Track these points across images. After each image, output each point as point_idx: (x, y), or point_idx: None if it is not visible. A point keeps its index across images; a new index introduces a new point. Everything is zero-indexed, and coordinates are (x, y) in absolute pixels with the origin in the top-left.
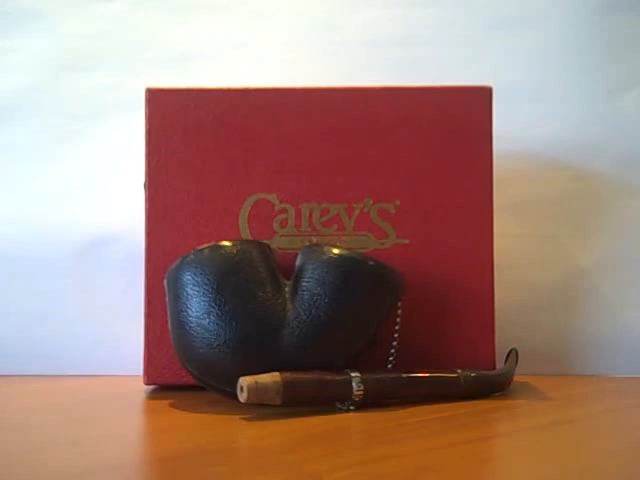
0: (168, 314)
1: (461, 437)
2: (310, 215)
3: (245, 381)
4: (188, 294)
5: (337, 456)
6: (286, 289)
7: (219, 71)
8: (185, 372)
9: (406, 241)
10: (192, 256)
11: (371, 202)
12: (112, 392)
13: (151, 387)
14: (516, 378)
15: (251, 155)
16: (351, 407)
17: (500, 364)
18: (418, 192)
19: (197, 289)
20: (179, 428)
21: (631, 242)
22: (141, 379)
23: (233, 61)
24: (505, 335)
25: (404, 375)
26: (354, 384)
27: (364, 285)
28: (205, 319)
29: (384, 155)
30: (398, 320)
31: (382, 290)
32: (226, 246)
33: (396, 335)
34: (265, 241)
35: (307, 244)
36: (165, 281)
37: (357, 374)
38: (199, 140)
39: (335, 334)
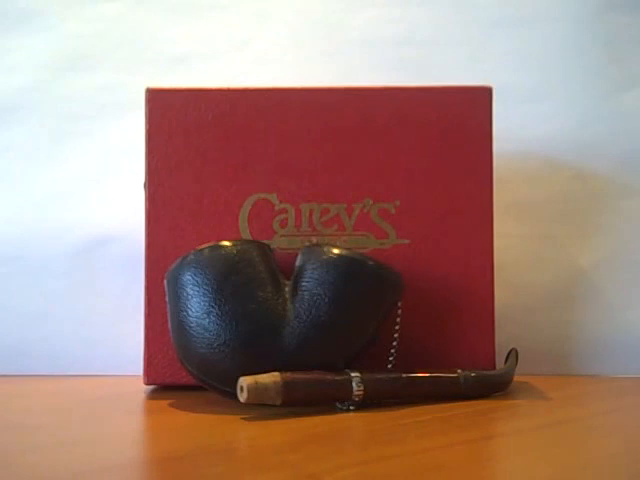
0: (168, 314)
1: (461, 437)
2: (310, 215)
3: (245, 381)
4: (188, 294)
5: (337, 456)
6: (286, 289)
7: (219, 71)
8: (185, 372)
9: (406, 241)
10: (192, 256)
11: (371, 202)
12: (112, 392)
13: (151, 387)
14: (516, 378)
15: (251, 155)
16: (351, 407)
17: (500, 364)
18: (418, 192)
19: (197, 289)
20: (179, 428)
21: (631, 242)
22: (141, 379)
23: (233, 61)
24: (505, 335)
25: (404, 375)
26: (354, 384)
27: (364, 285)
28: (205, 319)
29: (384, 155)
30: (398, 320)
31: (382, 290)
32: (226, 246)
33: (396, 335)
34: (265, 241)
35: (307, 244)
36: (165, 281)
37: (357, 374)
38: (199, 140)
39: (335, 334)
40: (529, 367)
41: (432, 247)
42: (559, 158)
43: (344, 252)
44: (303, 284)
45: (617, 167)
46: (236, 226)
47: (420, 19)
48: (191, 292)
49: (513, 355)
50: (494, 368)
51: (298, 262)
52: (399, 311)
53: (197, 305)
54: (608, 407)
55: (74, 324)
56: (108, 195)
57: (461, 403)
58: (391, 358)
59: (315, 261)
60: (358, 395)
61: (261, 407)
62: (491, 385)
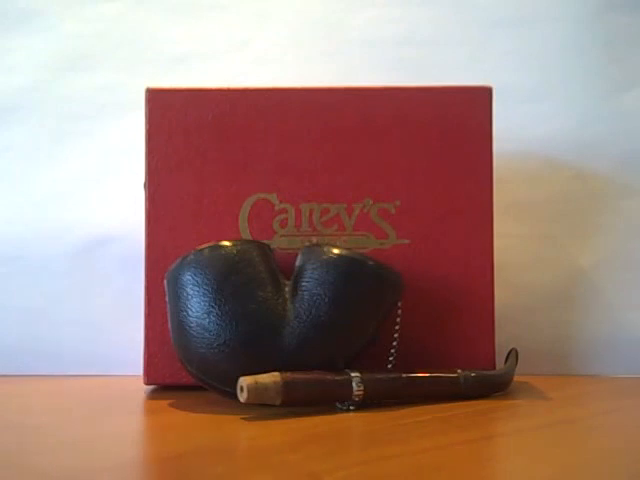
0: (168, 314)
1: (461, 437)
2: (310, 215)
3: (245, 381)
4: (188, 294)
5: (337, 456)
6: (286, 289)
7: (219, 71)
8: (185, 372)
9: (406, 241)
10: (192, 256)
11: (371, 202)
12: (112, 392)
13: (151, 387)
14: (516, 378)
15: (251, 155)
16: (351, 407)
17: (500, 364)
18: (418, 192)
19: (197, 289)
20: (179, 428)
21: (631, 242)
22: (141, 379)
23: (233, 61)
24: (505, 335)
25: (404, 375)
26: (354, 384)
27: (364, 285)
28: (205, 319)
29: (384, 155)
30: (398, 320)
31: (382, 290)
32: (226, 246)
33: (396, 335)
34: (265, 241)
35: (307, 244)
36: (165, 281)
37: (357, 374)
38: (199, 140)
39: (335, 334)
40: (529, 367)
41: (432, 247)
42: (559, 158)
43: (344, 252)
44: (303, 284)
45: (617, 167)
46: (236, 226)
47: (420, 19)
48: (191, 292)
49: (513, 355)
50: (494, 368)
51: (298, 262)
52: (399, 311)
53: (197, 305)
54: (608, 407)
55: (74, 324)
56: (108, 195)
57: (461, 403)
58: (391, 358)
59: (315, 261)
60: (358, 395)
61: (261, 407)
62: (491, 385)
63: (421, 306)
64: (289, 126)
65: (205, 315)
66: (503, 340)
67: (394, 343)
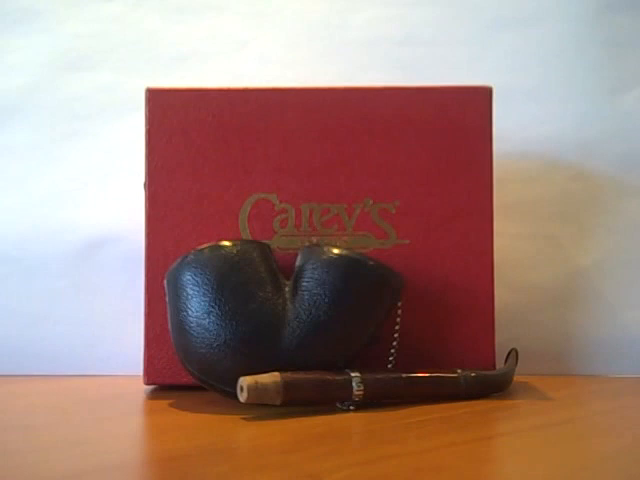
0: (168, 314)
1: (461, 437)
2: (310, 215)
3: (245, 381)
4: (188, 294)
5: (337, 456)
6: (286, 289)
7: (219, 71)
8: (185, 372)
9: (406, 241)
10: (192, 256)
11: (371, 202)
12: (112, 392)
13: (151, 387)
14: (516, 378)
15: (251, 155)
16: (351, 407)
17: (500, 364)
18: (418, 192)
19: (197, 289)
20: (179, 428)
21: (631, 242)
22: (141, 379)
23: (233, 61)
24: (505, 335)
25: (404, 375)
26: (354, 384)
27: (364, 285)
28: (205, 319)
29: (384, 155)
30: (398, 320)
31: (382, 290)
32: (226, 246)
33: (396, 335)
34: (265, 241)
35: (307, 244)
36: (165, 281)
37: (357, 374)
38: (199, 140)
39: (335, 334)
40: (529, 367)
41: (432, 247)
42: (559, 158)
43: (344, 252)
44: (303, 284)
45: (617, 167)
46: (236, 226)
47: (420, 19)
48: (191, 292)
49: (513, 355)
50: (494, 368)
51: (298, 262)
52: (399, 311)
53: (197, 305)
54: (608, 407)
55: (74, 324)
56: (108, 195)
57: (461, 403)
58: (391, 358)
59: (315, 261)
60: (358, 395)
61: (261, 407)
62: (491, 385)
63: (421, 306)
64: (289, 126)
65: (205, 315)
66: (503, 340)
67: (394, 343)
